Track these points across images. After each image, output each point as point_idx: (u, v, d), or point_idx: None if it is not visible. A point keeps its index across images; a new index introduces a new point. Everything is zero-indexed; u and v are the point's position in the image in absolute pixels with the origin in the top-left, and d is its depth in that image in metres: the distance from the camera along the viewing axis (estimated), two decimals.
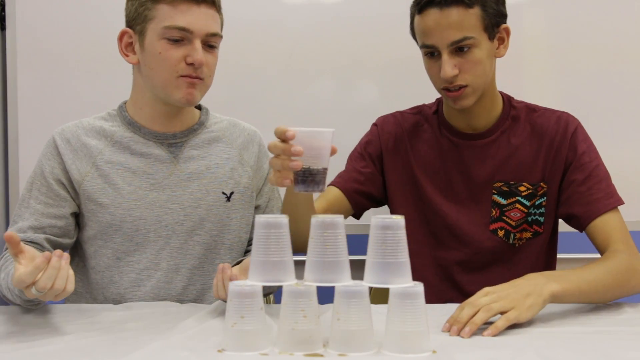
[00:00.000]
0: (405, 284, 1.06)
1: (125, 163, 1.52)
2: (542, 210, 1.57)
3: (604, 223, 1.48)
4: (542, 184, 1.56)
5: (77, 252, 1.58)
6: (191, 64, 1.43)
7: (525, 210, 1.56)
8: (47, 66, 2.15)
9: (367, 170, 1.63)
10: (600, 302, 1.39)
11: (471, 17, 1.44)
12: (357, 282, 1.07)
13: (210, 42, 1.47)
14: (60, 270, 1.15)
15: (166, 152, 1.54)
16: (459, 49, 1.45)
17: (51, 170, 1.51)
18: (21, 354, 1.09)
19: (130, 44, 1.50)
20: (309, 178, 1.14)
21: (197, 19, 1.43)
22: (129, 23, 1.49)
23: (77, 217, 1.55)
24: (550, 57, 2.13)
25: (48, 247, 1.50)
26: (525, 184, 1.56)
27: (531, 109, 1.61)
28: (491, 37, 1.49)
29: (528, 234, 1.58)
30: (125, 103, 1.58)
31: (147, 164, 1.52)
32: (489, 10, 1.46)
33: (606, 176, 1.53)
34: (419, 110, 1.68)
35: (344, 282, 1.06)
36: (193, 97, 1.46)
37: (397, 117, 1.68)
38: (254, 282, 1.07)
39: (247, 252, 1.65)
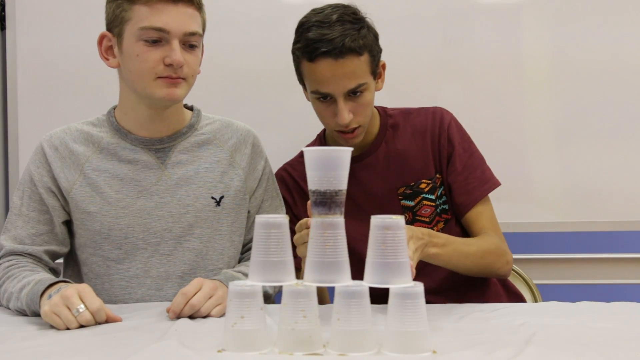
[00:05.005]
0: (405, 284, 1.06)
1: (113, 170, 1.50)
2: (444, 198, 1.64)
3: (477, 214, 1.60)
4: (437, 175, 1.63)
5: (72, 258, 1.57)
6: (170, 65, 1.40)
7: (433, 204, 1.62)
8: (47, 66, 2.15)
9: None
10: (463, 273, 1.49)
11: (362, 64, 1.49)
12: (357, 282, 1.07)
13: (189, 42, 1.44)
14: (93, 321, 1.25)
15: (153, 158, 1.51)
16: (353, 92, 1.50)
17: (40, 179, 1.50)
18: (21, 354, 1.09)
19: (110, 47, 1.47)
20: (329, 200, 1.07)
21: (174, 18, 1.40)
22: (108, 26, 1.47)
23: (69, 224, 1.53)
24: (550, 63, 2.14)
25: (47, 259, 1.50)
26: (424, 180, 1.62)
27: (406, 113, 1.68)
28: (375, 77, 1.55)
29: (441, 224, 1.63)
30: (114, 108, 1.56)
31: (135, 170, 1.50)
32: (374, 54, 1.52)
33: (480, 163, 1.62)
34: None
35: (344, 282, 1.06)
36: (175, 95, 1.44)
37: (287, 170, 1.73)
38: (254, 282, 1.07)
39: (241, 259, 1.63)
